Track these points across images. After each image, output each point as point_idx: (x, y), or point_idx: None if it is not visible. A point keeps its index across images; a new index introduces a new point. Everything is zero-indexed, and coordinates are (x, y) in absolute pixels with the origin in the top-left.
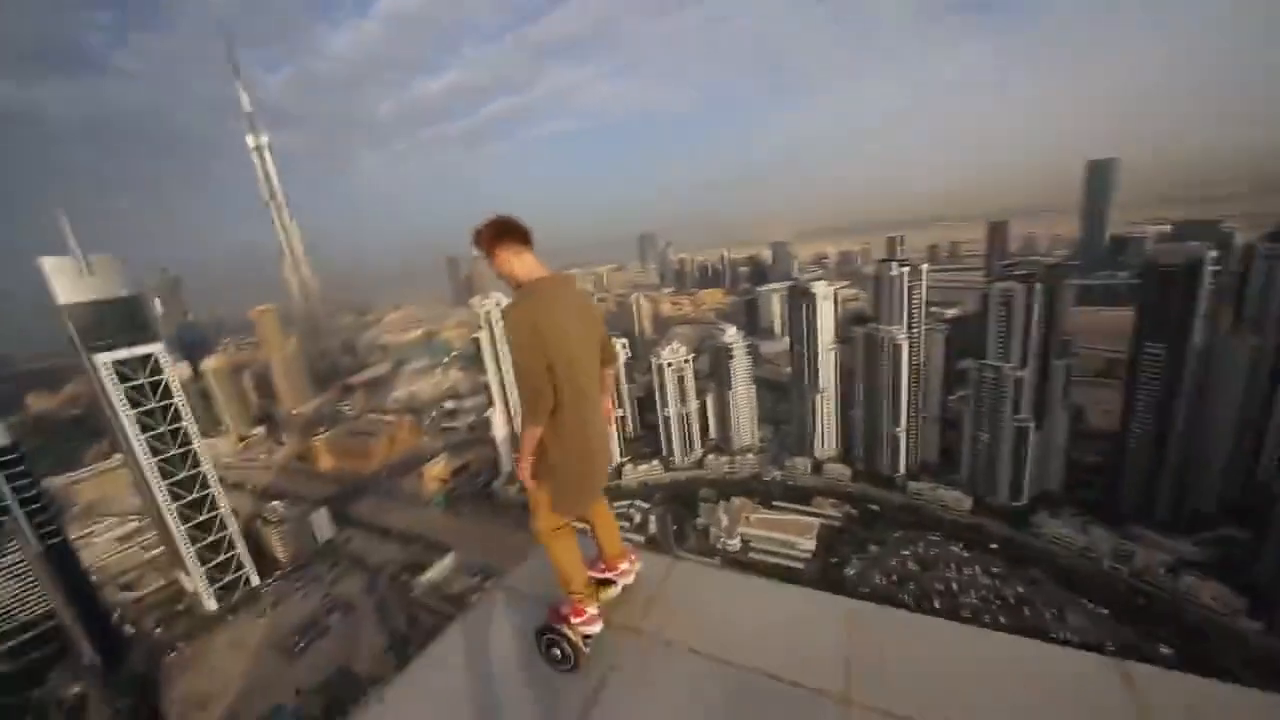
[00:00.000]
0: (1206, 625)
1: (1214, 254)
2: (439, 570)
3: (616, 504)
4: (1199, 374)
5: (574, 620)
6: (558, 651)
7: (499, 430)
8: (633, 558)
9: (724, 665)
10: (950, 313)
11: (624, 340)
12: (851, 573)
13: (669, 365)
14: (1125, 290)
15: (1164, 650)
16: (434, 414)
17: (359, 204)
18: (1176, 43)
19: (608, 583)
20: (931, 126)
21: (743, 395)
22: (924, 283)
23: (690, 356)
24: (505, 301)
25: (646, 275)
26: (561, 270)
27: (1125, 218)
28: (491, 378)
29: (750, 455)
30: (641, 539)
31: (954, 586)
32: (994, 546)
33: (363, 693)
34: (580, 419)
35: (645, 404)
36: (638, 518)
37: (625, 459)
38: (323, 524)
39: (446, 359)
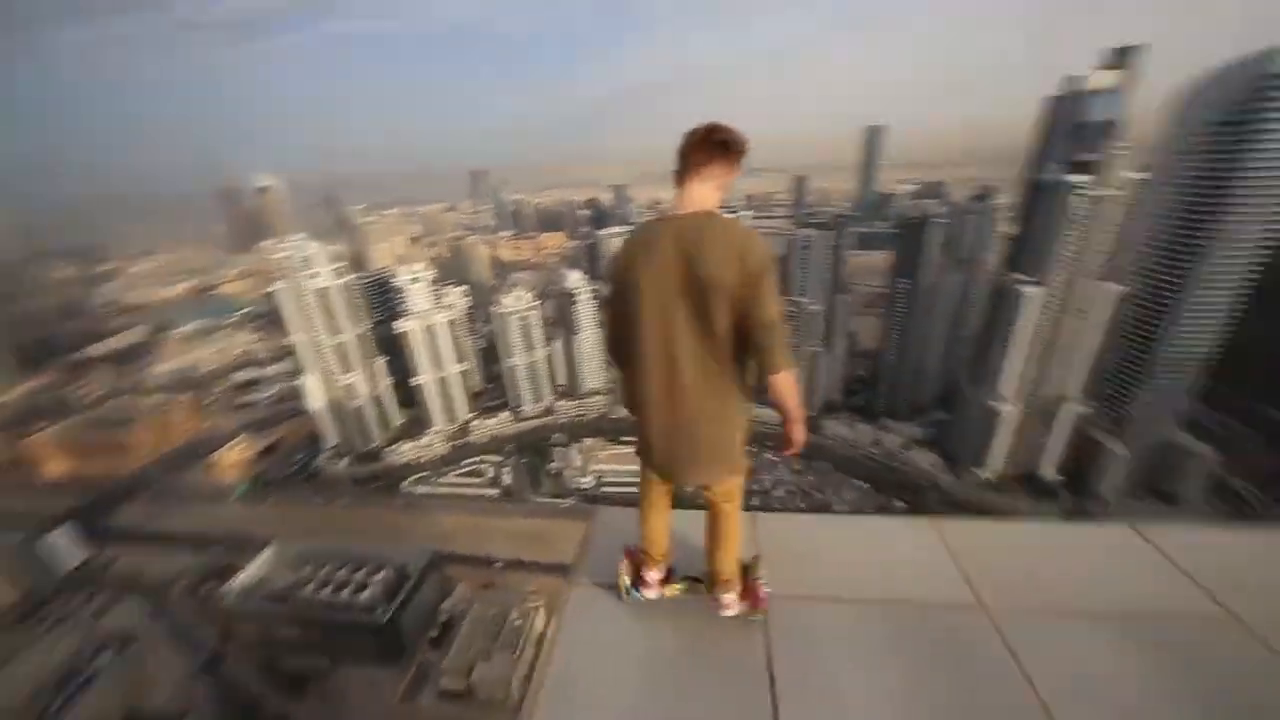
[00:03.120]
0: (923, 482)
1: (941, 209)
2: (257, 568)
3: (465, 461)
4: (926, 303)
5: (638, 569)
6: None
7: (315, 399)
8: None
9: (867, 604)
10: None
11: (465, 288)
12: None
13: (513, 313)
14: (886, 237)
15: (899, 504)
16: (222, 388)
17: (61, 107)
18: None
19: (694, 580)
20: (751, 83)
21: (588, 340)
22: None
23: (535, 303)
24: (316, 244)
25: (481, 217)
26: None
27: (889, 177)
28: (298, 337)
29: (598, 397)
30: (496, 492)
31: (767, 485)
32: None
33: None
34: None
35: (489, 355)
36: (491, 472)
37: (473, 414)
38: (64, 547)
39: (233, 318)
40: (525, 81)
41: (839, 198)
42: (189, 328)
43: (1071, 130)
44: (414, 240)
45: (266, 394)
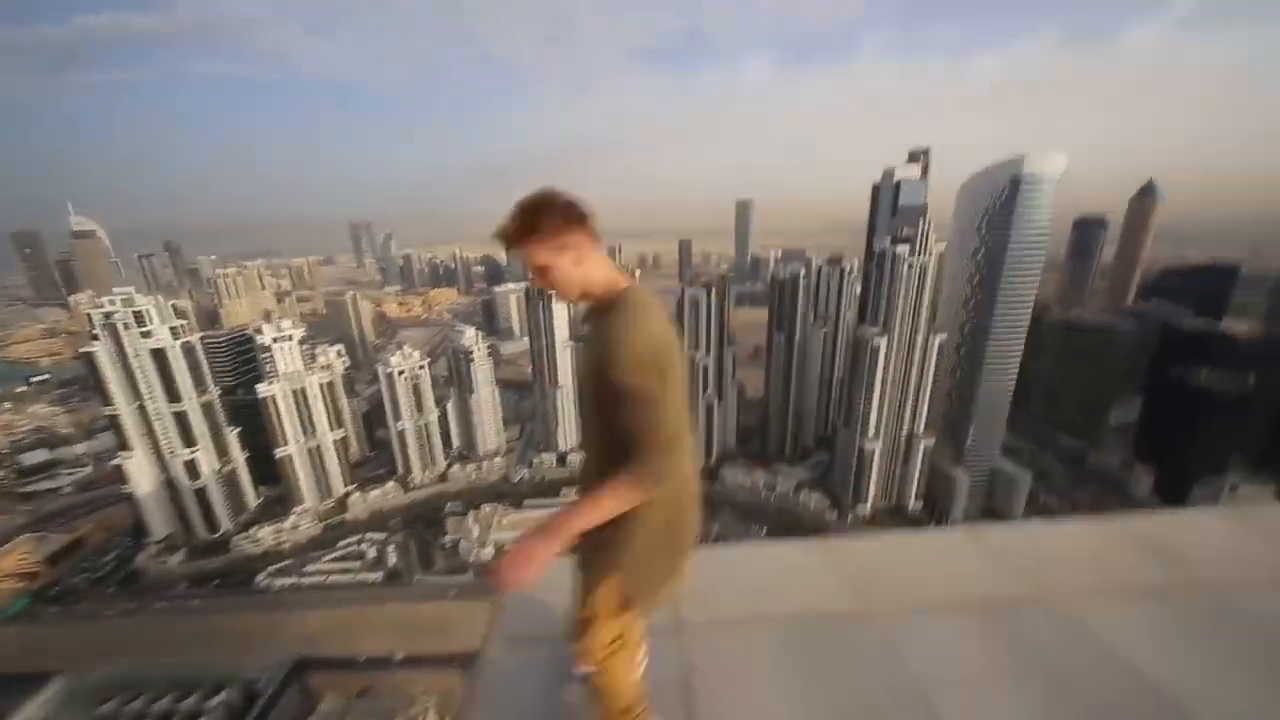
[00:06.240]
0: (811, 522)
1: (803, 271)
2: (32, 713)
3: (342, 543)
4: (800, 354)
5: None
6: None
7: (140, 481)
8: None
9: (779, 621)
10: None
11: (340, 347)
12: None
13: (400, 373)
14: (762, 295)
15: None
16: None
17: None
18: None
19: None
20: (631, 155)
21: (486, 399)
22: None
23: (425, 362)
24: (149, 299)
25: (365, 272)
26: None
27: (760, 243)
28: (123, 408)
29: (497, 459)
30: (379, 575)
31: None
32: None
33: None
34: (684, 462)
35: (373, 419)
36: (372, 553)
37: (352, 486)
38: None
39: (24, 386)
40: (407, 139)
41: (718, 260)
42: None
43: (892, 210)
44: (282, 295)
45: (66, 480)
